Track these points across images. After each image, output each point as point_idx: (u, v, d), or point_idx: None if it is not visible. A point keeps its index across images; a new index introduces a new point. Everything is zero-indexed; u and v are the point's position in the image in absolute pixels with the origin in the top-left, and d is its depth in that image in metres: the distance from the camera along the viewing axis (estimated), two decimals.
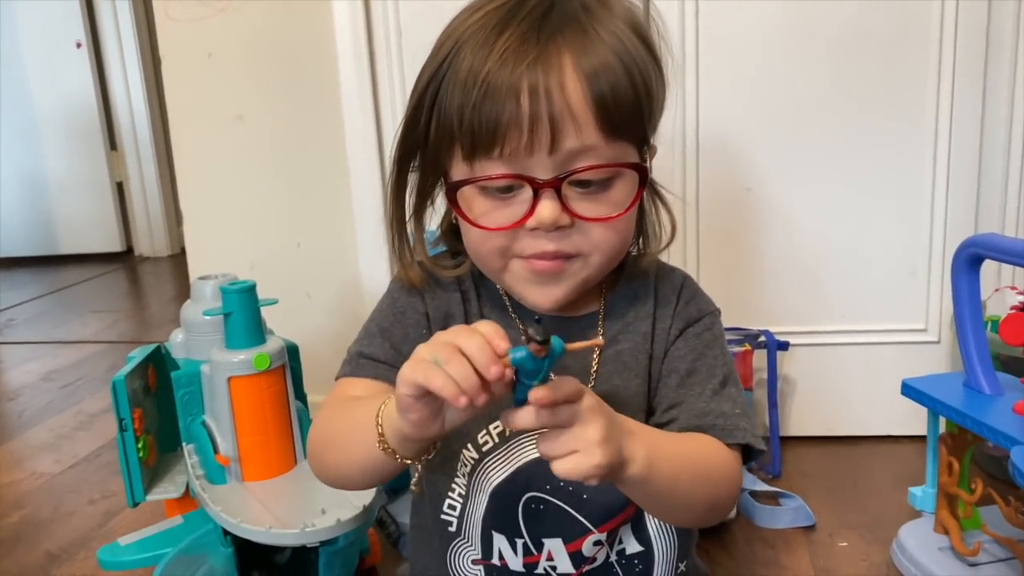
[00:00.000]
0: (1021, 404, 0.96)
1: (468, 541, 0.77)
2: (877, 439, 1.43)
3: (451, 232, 0.79)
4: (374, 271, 1.61)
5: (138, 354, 1.17)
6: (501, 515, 0.75)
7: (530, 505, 0.74)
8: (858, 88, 1.36)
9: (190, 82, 1.64)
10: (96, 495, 1.45)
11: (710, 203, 1.42)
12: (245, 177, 1.65)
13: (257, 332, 1.07)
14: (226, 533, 1.01)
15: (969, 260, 1.00)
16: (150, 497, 1.12)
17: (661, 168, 1.44)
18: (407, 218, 0.77)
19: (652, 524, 0.77)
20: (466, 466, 0.75)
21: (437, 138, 0.67)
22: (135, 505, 1.11)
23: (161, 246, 3.68)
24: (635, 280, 0.78)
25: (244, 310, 1.06)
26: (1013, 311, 1.15)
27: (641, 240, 0.79)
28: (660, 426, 0.74)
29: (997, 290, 1.28)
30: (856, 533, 1.17)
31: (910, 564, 1.06)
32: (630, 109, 0.65)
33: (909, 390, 1.08)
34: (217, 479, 1.06)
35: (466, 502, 0.76)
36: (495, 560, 0.76)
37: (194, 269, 1.67)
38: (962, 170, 1.36)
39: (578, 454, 0.56)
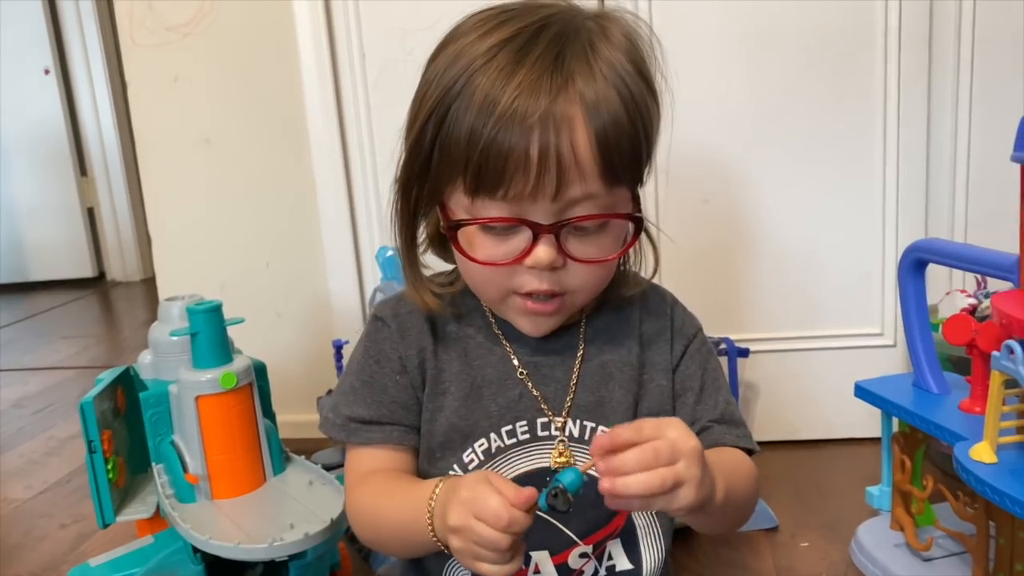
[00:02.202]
0: (966, 402, 1.00)
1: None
2: (838, 442, 1.46)
3: (439, 243, 0.78)
4: (342, 288, 1.62)
5: (107, 376, 1.18)
6: None
7: None
8: (811, 97, 1.40)
9: (157, 106, 1.66)
10: (67, 519, 1.45)
11: (668, 211, 1.46)
12: (213, 199, 1.67)
13: (224, 351, 1.09)
14: (196, 550, 1.02)
15: (914, 264, 1.04)
16: (120, 518, 1.13)
17: None
18: (416, 242, 0.76)
19: (644, 542, 0.78)
20: None
21: (440, 169, 0.67)
22: (105, 526, 1.11)
23: (133, 271, 3.67)
24: (617, 292, 0.80)
25: (210, 330, 1.07)
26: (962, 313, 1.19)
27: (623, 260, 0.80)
28: None
29: (948, 293, 1.32)
30: (817, 533, 1.20)
31: (868, 561, 1.09)
32: (632, 157, 0.67)
33: (862, 392, 1.11)
34: (187, 498, 1.07)
35: None
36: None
37: (164, 291, 1.68)
38: (910, 177, 1.40)
39: (685, 486, 0.58)
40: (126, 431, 1.19)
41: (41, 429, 1.91)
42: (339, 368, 1.41)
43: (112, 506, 1.11)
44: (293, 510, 1.04)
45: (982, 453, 0.85)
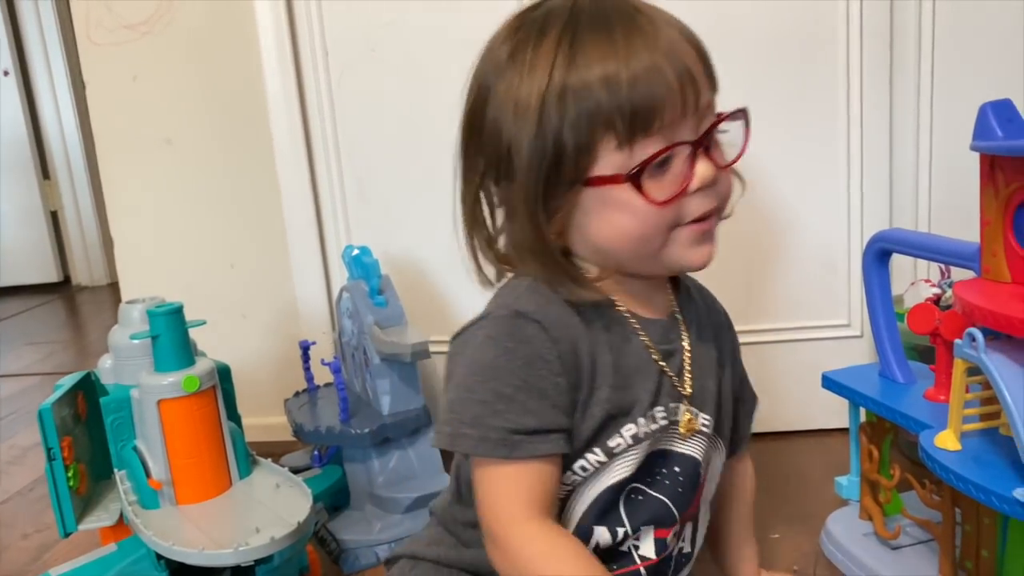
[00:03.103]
0: (931, 390, 1.01)
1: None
2: (807, 433, 1.47)
3: (524, 247, 0.72)
4: (309, 289, 1.61)
5: (67, 382, 1.15)
6: (603, 509, 0.74)
7: (630, 495, 0.75)
8: (774, 91, 1.40)
9: (116, 107, 1.63)
10: (30, 529, 1.42)
11: None
12: (176, 200, 1.65)
13: (186, 354, 1.07)
14: (160, 558, 1.00)
15: (877, 255, 1.04)
16: (82, 526, 1.10)
17: None
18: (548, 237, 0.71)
19: (700, 528, 0.83)
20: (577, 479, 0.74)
21: (579, 140, 0.66)
22: (67, 535, 1.09)
23: (99, 275, 3.62)
24: (689, 279, 0.85)
25: (171, 332, 1.06)
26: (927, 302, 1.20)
27: None
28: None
29: (913, 283, 1.33)
30: (787, 524, 1.20)
31: (836, 551, 1.09)
32: (712, 65, 0.71)
33: (829, 382, 1.11)
34: (150, 504, 1.05)
35: (566, 502, 0.75)
36: (590, 546, 0.75)
37: (127, 295, 1.65)
38: (874, 170, 1.41)
39: None
40: (88, 437, 1.17)
41: (4, 438, 1.87)
42: (307, 370, 1.39)
43: (74, 514, 1.09)
44: (259, 514, 1.03)
45: (946, 441, 0.86)
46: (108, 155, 1.66)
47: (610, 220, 0.69)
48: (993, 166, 0.84)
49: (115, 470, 1.10)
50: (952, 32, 1.38)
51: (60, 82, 3.45)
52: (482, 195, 0.75)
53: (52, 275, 3.58)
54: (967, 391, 0.85)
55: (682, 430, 0.78)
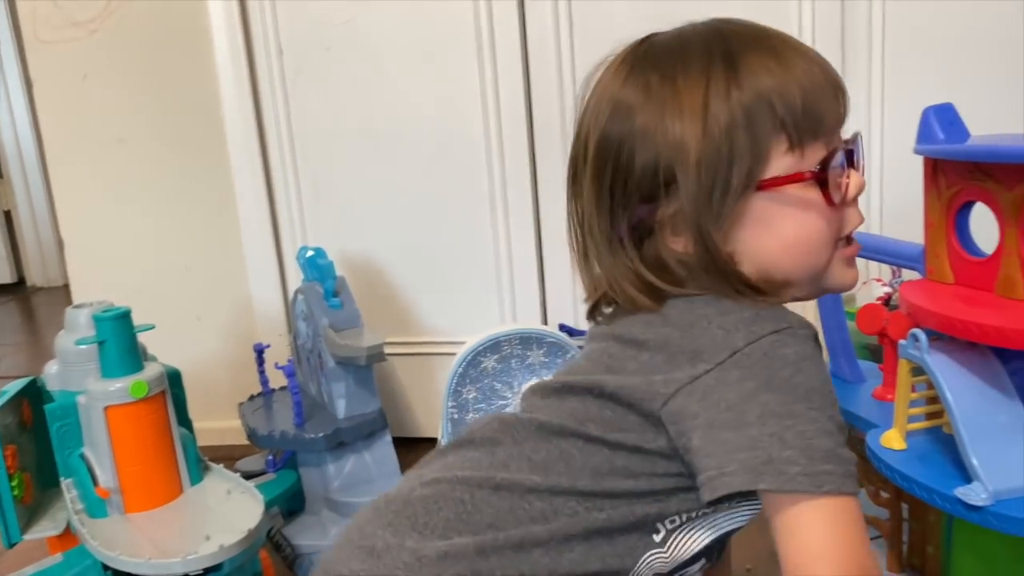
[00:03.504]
0: (879, 389, 1.02)
1: None
2: None
3: (696, 265, 0.67)
4: (265, 291, 1.59)
5: (11, 388, 1.13)
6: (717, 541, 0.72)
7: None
8: None
9: (66, 105, 1.60)
10: None
11: None
12: (128, 201, 1.62)
13: (133, 359, 1.05)
14: (106, 568, 0.98)
15: None
16: (28, 536, 1.08)
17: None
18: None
19: None
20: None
21: (748, 147, 0.63)
22: (11, 546, 1.07)
23: (55, 275, 3.55)
24: None
25: (118, 337, 1.04)
26: (879, 302, 1.21)
27: None
28: None
29: (865, 283, 1.35)
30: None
31: None
32: None
33: None
34: (98, 512, 1.04)
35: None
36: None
37: (79, 297, 1.62)
38: None
39: None
40: (33, 445, 1.14)
41: None
42: (261, 373, 1.37)
43: (18, 524, 1.06)
44: (210, 521, 1.02)
45: (892, 440, 0.87)
46: (58, 155, 1.63)
47: (782, 229, 0.65)
48: (936, 169, 0.85)
49: (61, 479, 1.08)
50: (903, 36, 1.40)
51: (12, 81, 3.39)
52: (623, 219, 0.68)
53: (6, 276, 3.51)
54: (913, 390, 0.86)
55: None
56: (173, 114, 1.58)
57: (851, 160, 0.68)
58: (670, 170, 0.64)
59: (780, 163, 0.64)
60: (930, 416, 0.88)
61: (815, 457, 0.58)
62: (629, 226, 0.67)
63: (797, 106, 0.63)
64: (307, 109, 1.53)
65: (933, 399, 0.86)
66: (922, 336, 0.81)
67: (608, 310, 0.72)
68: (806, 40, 1.38)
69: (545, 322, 1.58)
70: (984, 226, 0.83)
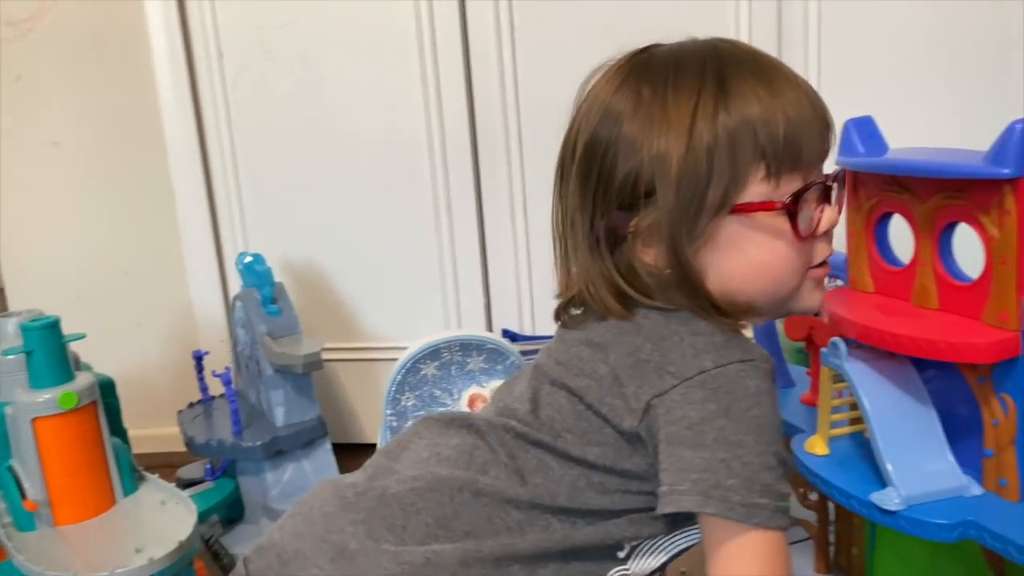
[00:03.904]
0: (807, 395, 1.04)
1: None
2: None
3: (664, 276, 0.68)
4: (205, 296, 1.57)
5: None
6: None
7: None
8: None
9: None
10: None
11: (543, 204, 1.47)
12: (65, 205, 1.59)
13: (63, 369, 1.03)
14: None
15: None
16: None
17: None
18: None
19: None
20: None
21: (726, 169, 0.64)
22: None
23: None
24: None
25: (47, 347, 1.02)
26: None
27: None
28: None
29: None
30: None
31: None
32: None
33: None
34: (26, 526, 1.02)
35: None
36: None
37: (14, 304, 1.59)
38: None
39: None
40: None
41: None
42: (200, 380, 1.36)
43: None
44: (141, 533, 1.00)
45: (815, 445, 0.89)
46: None
47: (751, 255, 0.66)
48: (856, 181, 0.87)
49: None
50: (838, 34, 1.42)
51: None
52: (601, 223, 0.69)
53: None
54: (839, 396, 0.88)
55: None
56: (110, 117, 1.55)
57: (827, 195, 0.68)
58: (650, 182, 0.65)
59: (755, 190, 0.65)
60: (853, 422, 0.90)
61: (754, 489, 0.60)
62: (606, 230, 0.68)
63: (779, 137, 0.64)
64: (248, 112, 1.52)
65: (856, 405, 0.88)
66: (841, 344, 0.83)
67: (576, 312, 0.72)
68: (742, 38, 1.41)
69: (490, 327, 1.59)
70: (905, 237, 0.86)
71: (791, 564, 0.63)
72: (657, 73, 0.67)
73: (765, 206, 0.64)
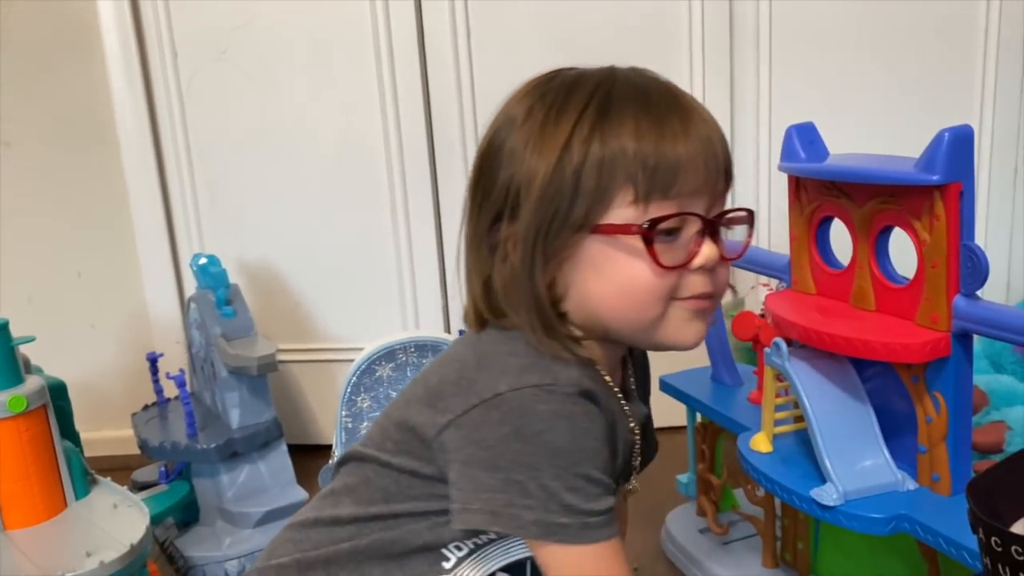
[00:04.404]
0: (754, 393, 1.06)
1: None
2: (664, 430, 1.52)
3: (513, 290, 0.68)
4: (160, 298, 1.56)
5: None
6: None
7: None
8: None
9: None
10: None
11: None
12: (16, 206, 1.57)
13: (11, 373, 1.02)
14: None
15: None
16: None
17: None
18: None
19: None
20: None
21: (598, 188, 0.64)
22: None
23: None
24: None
25: None
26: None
27: None
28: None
29: (753, 287, 1.40)
30: (632, 522, 1.24)
31: (673, 547, 1.14)
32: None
33: (666, 386, 1.16)
34: None
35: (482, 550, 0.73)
36: None
37: None
38: None
39: None
40: None
41: None
42: (155, 383, 1.35)
43: None
44: (92, 537, 1.00)
45: (759, 443, 0.91)
46: None
47: (610, 276, 0.67)
48: (798, 185, 0.90)
49: None
50: (790, 33, 1.46)
51: None
52: (483, 230, 0.71)
53: None
54: (785, 394, 0.90)
55: (622, 498, 0.79)
56: (62, 117, 1.53)
57: (712, 232, 0.67)
58: (518, 193, 0.66)
59: (621, 212, 0.65)
60: (797, 419, 0.92)
61: (552, 509, 0.63)
62: (487, 239, 0.69)
63: (651, 164, 0.64)
64: (203, 113, 1.51)
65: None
66: (783, 345, 0.85)
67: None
68: (695, 39, 1.43)
69: (448, 329, 1.60)
70: (846, 240, 0.88)
71: (621, 568, 0.65)
72: (552, 92, 0.69)
73: (624, 228, 0.65)
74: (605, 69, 0.70)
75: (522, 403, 0.64)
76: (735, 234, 0.71)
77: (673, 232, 0.66)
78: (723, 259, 0.68)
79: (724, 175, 0.68)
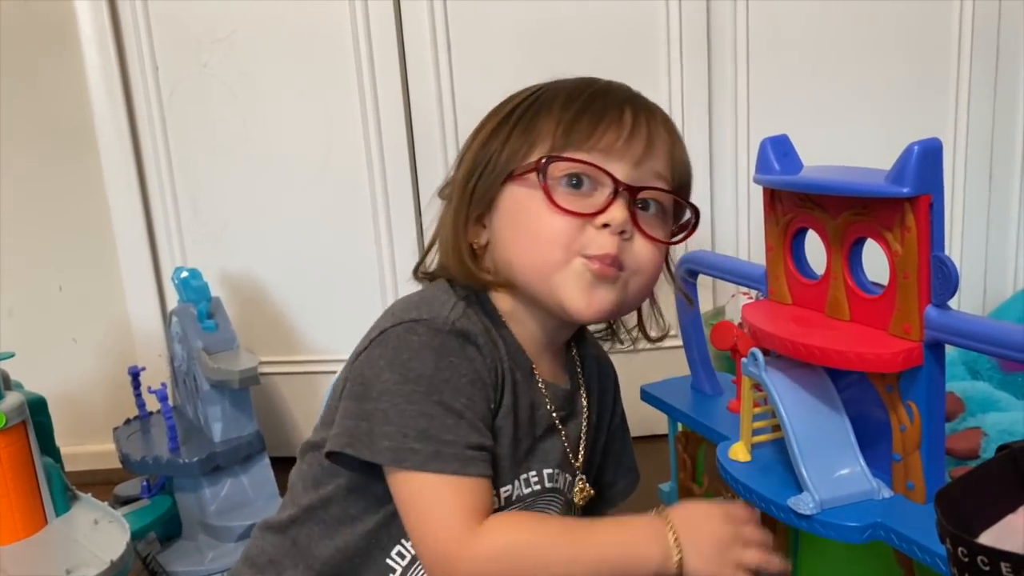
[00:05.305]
0: (733, 402, 1.07)
1: None
2: (641, 440, 1.53)
3: (446, 240, 0.74)
4: (143, 311, 1.56)
5: None
6: None
7: None
8: None
9: None
10: None
11: None
12: None
13: None
14: None
15: (686, 275, 1.10)
16: None
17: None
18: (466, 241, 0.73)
19: None
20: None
21: (522, 137, 0.70)
22: None
23: None
24: (593, 347, 0.84)
25: None
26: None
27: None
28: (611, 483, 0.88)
29: (733, 296, 1.41)
30: None
31: None
32: (688, 176, 0.76)
33: (646, 395, 1.17)
34: None
35: None
36: None
37: None
38: (696, 191, 1.48)
39: None
40: None
41: None
42: (137, 396, 1.34)
43: None
44: (73, 553, 1.00)
45: (738, 452, 0.91)
46: None
47: (519, 220, 0.70)
48: (773, 197, 0.90)
49: None
50: (767, 34, 1.47)
51: None
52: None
53: None
54: (763, 403, 0.91)
55: (578, 500, 0.80)
56: (43, 130, 1.53)
57: (626, 197, 0.70)
58: (466, 150, 0.74)
59: (534, 159, 0.70)
60: (775, 429, 0.93)
61: (408, 435, 0.64)
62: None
63: (570, 119, 0.69)
64: (184, 126, 1.51)
65: None
66: (759, 355, 0.86)
67: None
68: (672, 40, 1.45)
69: None
70: (821, 251, 0.89)
71: (482, 509, 0.66)
72: (526, 91, 0.76)
73: (528, 167, 0.70)
74: (576, 78, 0.76)
75: (398, 335, 0.67)
76: (663, 228, 0.75)
77: (581, 184, 0.70)
78: (645, 235, 0.72)
79: (665, 161, 0.72)
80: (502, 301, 0.74)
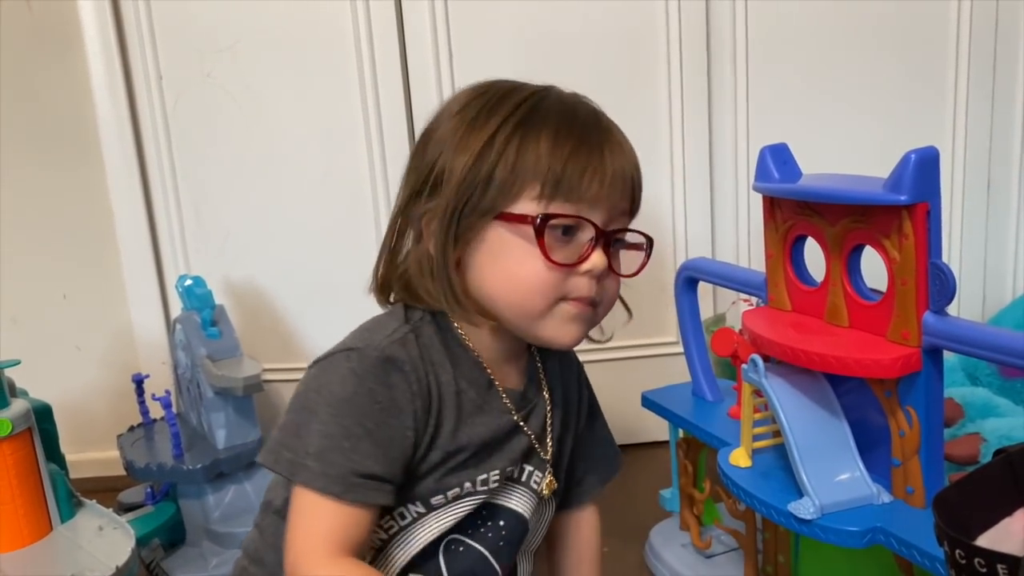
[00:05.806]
0: (734, 408, 1.08)
1: None
2: (638, 446, 1.54)
3: (425, 265, 0.75)
4: (146, 319, 1.57)
5: None
6: (423, 558, 0.76)
7: (450, 546, 0.77)
8: (597, 97, 1.47)
9: None
10: None
11: None
12: (1, 228, 1.57)
13: None
14: None
15: (686, 281, 1.11)
16: None
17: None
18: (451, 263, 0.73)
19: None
20: (394, 526, 0.76)
21: (510, 175, 0.71)
22: None
23: None
24: None
25: None
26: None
27: None
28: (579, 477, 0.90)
29: (734, 303, 1.42)
30: (618, 538, 1.26)
31: (657, 562, 1.15)
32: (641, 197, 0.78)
33: (647, 402, 1.18)
34: None
35: (385, 548, 0.76)
36: None
37: None
38: (695, 198, 1.50)
39: None
40: None
41: None
42: (141, 404, 1.35)
43: None
44: (78, 560, 1.00)
45: (739, 458, 0.92)
46: None
47: (504, 262, 0.72)
48: (773, 205, 0.91)
49: None
50: (766, 34, 1.48)
51: None
52: (404, 209, 0.78)
53: None
54: (763, 409, 0.92)
55: (545, 492, 0.82)
56: (48, 138, 1.54)
57: (605, 241, 0.73)
58: (440, 175, 0.73)
59: (525, 205, 0.71)
60: (776, 434, 0.94)
61: (307, 452, 0.68)
62: (402, 211, 0.77)
63: (558, 169, 0.70)
64: (188, 135, 1.52)
65: None
66: (759, 361, 0.87)
67: None
68: (672, 39, 1.46)
69: None
70: (820, 258, 0.90)
71: (349, 537, 0.68)
72: (489, 93, 0.76)
73: (521, 218, 0.71)
74: (543, 86, 0.78)
75: (332, 361, 0.71)
76: (630, 259, 0.78)
77: (568, 233, 0.72)
78: (613, 272, 0.75)
79: (629, 198, 0.76)
80: (465, 322, 0.77)
